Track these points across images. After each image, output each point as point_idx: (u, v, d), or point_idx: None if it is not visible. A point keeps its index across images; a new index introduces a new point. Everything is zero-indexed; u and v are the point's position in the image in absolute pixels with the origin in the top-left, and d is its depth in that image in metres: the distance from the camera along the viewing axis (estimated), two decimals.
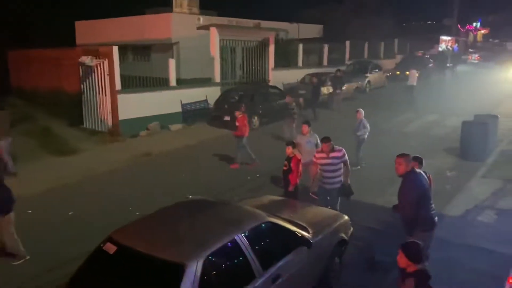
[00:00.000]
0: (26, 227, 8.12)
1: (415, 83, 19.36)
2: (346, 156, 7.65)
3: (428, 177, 6.45)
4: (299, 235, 5.36)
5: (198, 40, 19.21)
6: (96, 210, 8.84)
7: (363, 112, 11.26)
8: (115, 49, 14.29)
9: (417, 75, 19.84)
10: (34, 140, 13.50)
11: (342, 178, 7.60)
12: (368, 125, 11.09)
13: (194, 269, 4.01)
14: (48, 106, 16.23)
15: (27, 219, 8.50)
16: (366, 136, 11.12)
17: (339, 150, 7.61)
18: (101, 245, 4.57)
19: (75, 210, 8.86)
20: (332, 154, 7.53)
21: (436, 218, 5.86)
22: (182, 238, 4.58)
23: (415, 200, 5.55)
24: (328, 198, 7.66)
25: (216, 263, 4.34)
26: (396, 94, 21.61)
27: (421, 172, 5.94)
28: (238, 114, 11.66)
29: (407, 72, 20.52)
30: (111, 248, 4.45)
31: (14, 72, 20.18)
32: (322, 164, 7.60)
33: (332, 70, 21.67)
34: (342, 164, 7.60)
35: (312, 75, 19.96)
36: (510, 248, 6.31)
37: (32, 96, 17.49)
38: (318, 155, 7.68)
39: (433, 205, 5.85)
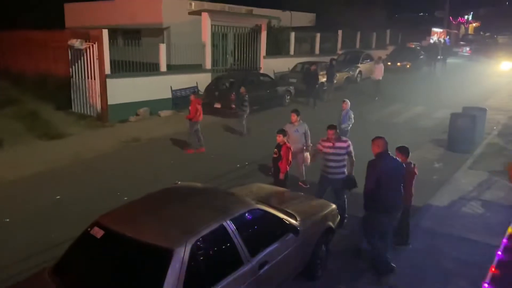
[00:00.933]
0: (12, 210, 8.09)
1: (380, 78, 19.12)
2: (351, 148, 7.60)
3: (412, 167, 6.54)
4: (287, 222, 5.39)
5: (189, 25, 19.05)
6: (83, 194, 8.79)
7: (349, 102, 11.26)
8: (105, 32, 14.09)
9: (383, 69, 19.43)
10: (21, 124, 13.32)
11: (346, 170, 7.56)
12: (352, 117, 11.07)
13: (181, 255, 4.01)
14: (35, 89, 15.98)
15: (13, 202, 8.46)
16: (349, 128, 11.11)
17: (345, 141, 7.59)
18: (88, 229, 4.55)
19: (62, 195, 8.80)
20: (337, 144, 7.48)
21: (398, 204, 6.01)
22: (170, 223, 4.56)
23: (373, 179, 5.81)
24: (326, 187, 7.63)
25: (203, 249, 4.33)
26: (387, 85, 21.72)
27: (394, 157, 6.17)
28: (192, 97, 11.70)
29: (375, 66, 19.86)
30: (98, 233, 4.43)
31: (1, 54, 19.81)
32: (326, 153, 7.55)
33: (324, 59, 21.69)
34: (346, 156, 7.55)
35: (309, 63, 19.91)
36: (494, 238, 6.41)
37: (19, 79, 17.20)
38: (324, 143, 7.62)
39: (398, 192, 5.99)
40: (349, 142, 7.65)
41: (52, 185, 9.34)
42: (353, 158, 7.63)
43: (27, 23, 21.43)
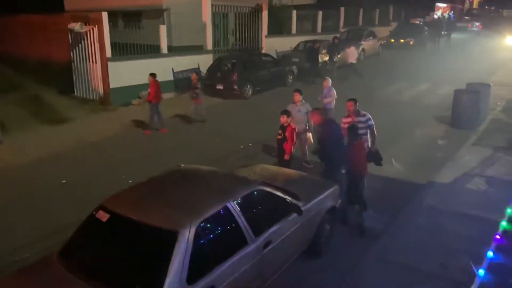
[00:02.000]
0: (18, 195, 8.17)
1: (354, 61, 18.43)
2: (372, 122, 7.56)
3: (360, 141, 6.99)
4: (290, 202, 5.44)
5: (189, 6, 18.82)
6: (88, 178, 8.86)
7: (330, 80, 11.22)
8: (105, 15, 13.99)
9: (356, 52, 18.70)
10: (24, 109, 13.36)
11: (369, 144, 7.54)
12: (335, 93, 10.97)
13: (186, 236, 4.06)
14: (37, 74, 15.99)
15: (19, 187, 8.55)
16: (333, 105, 10.99)
17: (364, 115, 7.56)
18: (94, 213, 4.60)
19: (67, 179, 8.87)
20: (356, 119, 7.46)
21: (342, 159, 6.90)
22: (174, 206, 4.61)
23: (333, 142, 6.90)
24: None
25: (208, 230, 4.40)
26: (390, 62, 21.56)
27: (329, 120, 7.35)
28: (149, 79, 11.66)
29: (347, 50, 18.67)
30: (103, 216, 4.48)
31: (1, 39, 19.73)
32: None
33: (326, 37, 21.46)
34: (368, 130, 7.54)
35: (312, 41, 19.68)
36: (498, 214, 6.42)
37: (20, 64, 17.18)
38: (345, 120, 7.60)
39: (339, 150, 6.91)
40: (369, 115, 7.59)
41: (57, 170, 9.40)
42: (375, 132, 7.59)
43: (27, 6, 21.25)
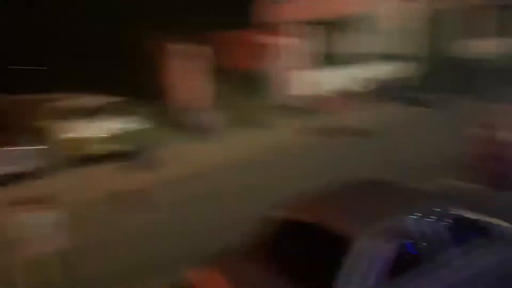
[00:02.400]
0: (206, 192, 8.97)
1: None
2: None
3: None
4: (493, 228, 4.61)
5: (397, 11, 17.94)
6: (276, 182, 9.10)
7: None
8: (304, 27, 14.70)
9: None
10: (232, 114, 14.88)
11: None
12: None
13: (367, 246, 3.96)
14: (244, 84, 17.65)
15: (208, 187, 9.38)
16: None
17: None
18: (272, 217, 4.76)
19: (259, 180, 9.34)
20: None
21: None
22: (357, 213, 4.49)
23: None
24: None
25: (388, 241, 4.07)
26: None
27: None
28: (334, 90, 11.29)
29: None
30: (281, 220, 4.63)
31: (218, 54, 22.33)
32: None
33: None
34: None
35: None
36: None
37: (231, 76, 19.20)
38: None
39: None
40: None
41: (248, 171, 10.15)
42: None
43: (235, 21, 23.43)
